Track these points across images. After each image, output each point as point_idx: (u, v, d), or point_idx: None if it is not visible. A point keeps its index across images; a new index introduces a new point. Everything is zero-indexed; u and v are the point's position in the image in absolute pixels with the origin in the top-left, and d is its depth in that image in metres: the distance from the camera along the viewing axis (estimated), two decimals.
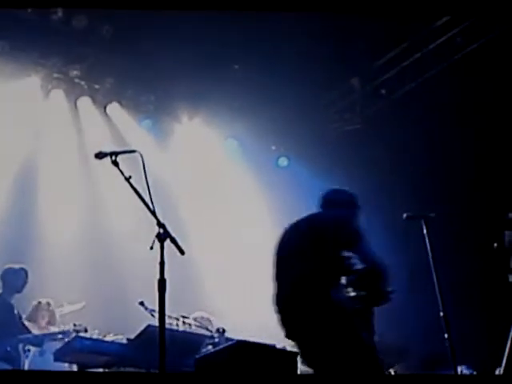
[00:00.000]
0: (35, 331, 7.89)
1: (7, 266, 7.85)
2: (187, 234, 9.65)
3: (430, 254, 6.06)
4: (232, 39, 8.83)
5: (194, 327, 7.53)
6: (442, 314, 6.00)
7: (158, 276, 4.51)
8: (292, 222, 5.63)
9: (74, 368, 6.88)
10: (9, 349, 7.34)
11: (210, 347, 6.86)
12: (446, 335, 5.95)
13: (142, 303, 7.08)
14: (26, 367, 7.50)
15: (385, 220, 8.69)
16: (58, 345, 6.96)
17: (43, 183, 9.71)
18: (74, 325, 7.44)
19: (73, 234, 9.76)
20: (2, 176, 9.35)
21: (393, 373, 7.41)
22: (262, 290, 10.64)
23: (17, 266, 7.86)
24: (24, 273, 7.85)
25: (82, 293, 8.88)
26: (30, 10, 8.33)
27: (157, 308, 4.58)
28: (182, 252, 4.59)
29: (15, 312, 7.77)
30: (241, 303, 10.13)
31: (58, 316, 8.33)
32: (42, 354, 7.56)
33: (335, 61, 9.42)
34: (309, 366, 5.19)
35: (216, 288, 10.31)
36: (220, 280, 10.43)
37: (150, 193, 4.63)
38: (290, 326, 5.31)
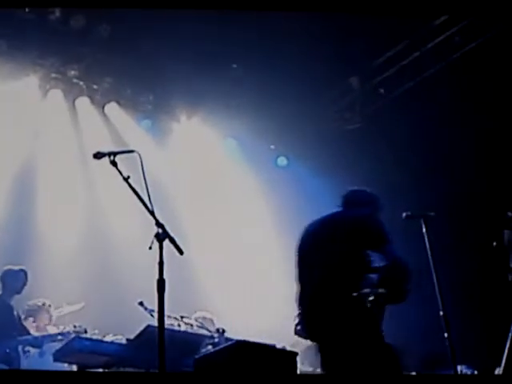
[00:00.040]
0: (33, 331, 7.88)
1: (6, 268, 7.84)
2: (186, 233, 9.63)
3: (429, 253, 6.05)
4: (230, 38, 8.82)
5: (195, 327, 7.52)
6: (441, 313, 6.00)
7: (157, 276, 4.50)
8: (313, 221, 5.61)
9: (74, 368, 6.86)
10: (8, 350, 7.33)
11: (209, 347, 6.85)
12: (445, 334, 5.95)
13: (141, 303, 7.08)
14: (26, 368, 7.49)
15: (384, 219, 8.68)
16: (57, 346, 6.95)
17: (41, 183, 9.69)
18: (74, 326, 7.44)
19: (72, 235, 9.75)
20: (0, 176, 9.34)
21: None
22: (262, 290, 10.70)
23: (16, 268, 7.85)
24: (23, 274, 7.84)
25: (81, 293, 8.87)
26: (27, 10, 8.31)
27: (156, 308, 4.58)
28: (180, 252, 4.59)
29: (14, 313, 7.76)
30: (240, 303, 10.13)
31: (55, 317, 8.33)
32: (41, 355, 7.56)
33: (334, 60, 9.41)
34: (327, 365, 5.17)
35: (215, 288, 10.30)
36: (219, 280, 10.42)
37: (148, 193, 4.63)
38: (313, 326, 5.30)
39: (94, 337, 7.19)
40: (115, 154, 4.76)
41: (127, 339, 6.66)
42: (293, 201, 10.66)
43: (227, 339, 6.87)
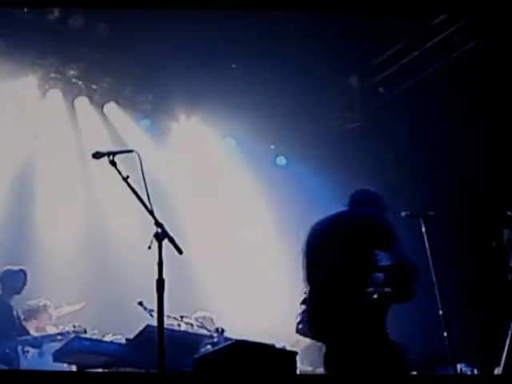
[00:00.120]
0: (34, 332, 7.87)
1: (6, 268, 7.84)
2: (185, 233, 9.63)
3: (428, 252, 6.05)
4: (230, 38, 8.81)
5: (195, 327, 7.52)
6: (441, 312, 6.00)
7: (156, 276, 4.50)
8: (319, 220, 5.61)
9: (73, 369, 6.86)
10: (7, 350, 7.33)
11: (209, 347, 6.85)
12: (445, 334, 5.95)
13: (140, 303, 7.07)
14: (25, 368, 7.49)
15: None
16: (57, 346, 6.95)
17: (41, 183, 9.69)
18: (74, 326, 7.45)
19: (71, 235, 9.75)
20: None
21: None
22: (261, 290, 10.69)
23: (16, 268, 7.85)
24: (23, 274, 7.84)
25: (81, 293, 8.87)
26: (26, 10, 8.30)
27: (155, 308, 4.57)
28: (180, 252, 4.58)
29: (14, 313, 7.76)
30: (240, 303, 10.13)
31: (55, 317, 8.32)
32: (41, 355, 7.56)
33: (334, 59, 9.41)
34: (332, 364, 5.18)
35: (214, 288, 10.30)
36: (218, 280, 10.42)
37: (147, 192, 4.62)
38: (319, 324, 5.30)
39: (94, 337, 7.19)
40: (114, 153, 4.76)
41: (127, 339, 6.66)
42: (292, 200, 10.65)
43: (226, 339, 6.87)
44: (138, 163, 4.77)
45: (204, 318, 8.12)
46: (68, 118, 9.95)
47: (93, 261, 9.64)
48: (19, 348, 7.51)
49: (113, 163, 4.72)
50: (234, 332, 7.35)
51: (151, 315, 6.91)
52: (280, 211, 10.80)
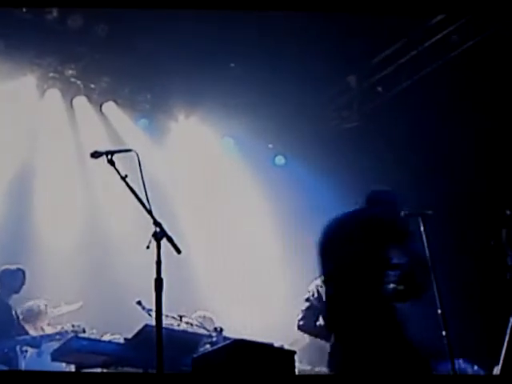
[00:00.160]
0: (32, 332, 7.87)
1: (4, 267, 7.84)
2: (183, 233, 9.63)
3: (427, 251, 6.05)
4: (229, 37, 8.81)
5: (195, 327, 7.52)
6: (439, 311, 6.00)
7: (154, 275, 4.50)
8: (333, 219, 5.62)
9: (72, 368, 6.86)
10: (6, 350, 7.33)
11: (207, 346, 6.85)
12: (443, 333, 5.96)
13: (139, 303, 7.06)
14: (24, 368, 7.49)
15: None
16: (55, 345, 6.94)
17: (39, 183, 9.69)
18: (72, 325, 7.45)
19: (70, 234, 9.74)
20: None
21: None
22: (260, 289, 10.69)
23: (14, 267, 7.85)
24: (22, 273, 7.84)
25: (79, 293, 8.87)
26: (25, 9, 8.29)
27: (154, 307, 4.57)
28: (178, 251, 4.59)
29: (13, 313, 7.76)
30: (238, 302, 10.13)
31: (53, 317, 8.32)
32: (39, 354, 7.56)
33: (332, 59, 9.40)
34: (346, 362, 5.18)
35: (213, 287, 10.30)
36: (217, 279, 10.42)
37: (146, 192, 4.63)
38: (337, 323, 5.31)
39: (92, 336, 7.19)
40: (113, 153, 4.76)
41: (125, 339, 6.66)
42: (291, 200, 10.66)
43: (225, 338, 6.86)
44: (137, 162, 4.78)
45: (204, 317, 8.13)
46: (66, 118, 9.94)
47: (91, 260, 9.64)
48: (18, 348, 7.51)
49: (111, 162, 4.73)
50: (233, 331, 7.35)
51: (150, 315, 6.90)
52: (279, 211, 10.80)
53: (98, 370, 6.59)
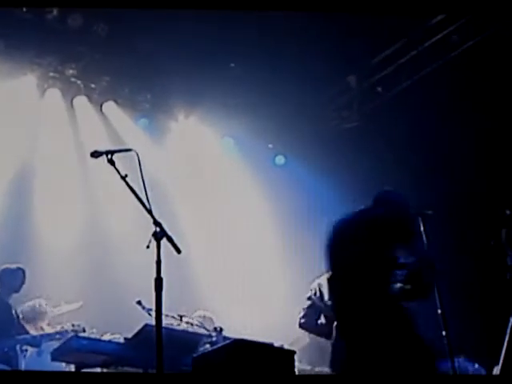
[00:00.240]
0: (32, 331, 7.87)
1: (4, 266, 7.85)
2: (183, 232, 9.63)
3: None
4: (228, 37, 8.81)
5: (195, 327, 7.52)
6: (439, 311, 6.00)
7: (154, 275, 4.50)
8: (341, 218, 5.62)
9: (72, 368, 6.86)
10: (6, 349, 7.33)
11: (207, 346, 6.85)
12: (443, 332, 5.96)
13: (139, 302, 7.06)
14: (24, 367, 7.50)
15: None
16: (55, 345, 6.95)
17: (39, 182, 9.69)
18: (73, 325, 7.46)
19: (70, 234, 9.74)
20: None
21: None
22: (260, 289, 10.69)
23: (14, 266, 7.85)
24: (22, 272, 7.84)
25: (79, 292, 8.87)
26: (25, 9, 8.29)
27: (154, 307, 4.57)
28: (178, 251, 4.59)
29: (13, 312, 7.76)
30: (238, 302, 10.13)
31: (53, 316, 8.33)
32: (39, 354, 7.56)
33: (332, 59, 9.40)
34: (353, 362, 5.19)
35: (213, 287, 10.30)
36: (216, 279, 10.42)
37: (146, 191, 4.63)
38: (345, 323, 5.32)
39: (92, 336, 7.19)
40: (113, 152, 4.76)
41: (125, 338, 6.66)
42: (291, 200, 10.65)
43: (225, 338, 6.87)
44: (137, 162, 4.78)
45: (204, 317, 8.14)
46: (67, 117, 9.94)
47: (91, 260, 9.64)
48: (18, 347, 7.51)
49: (111, 162, 4.73)
50: (233, 331, 7.35)
51: (150, 314, 6.90)
52: (279, 211, 10.80)
53: (98, 369, 6.59)
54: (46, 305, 8.31)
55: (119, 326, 7.70)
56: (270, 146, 11.27)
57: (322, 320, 7.08)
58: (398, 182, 9.38)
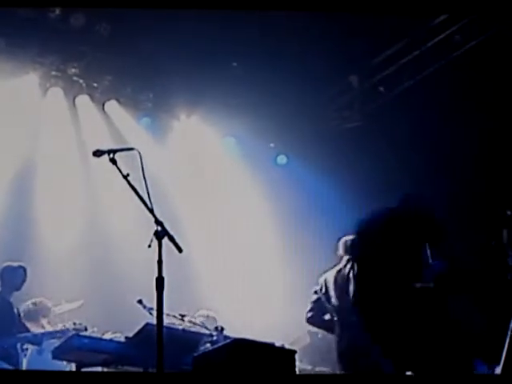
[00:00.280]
0: (33, 330, 7.88)
1: (6, 264, 7.85)
2: (185, 231, 9.63)
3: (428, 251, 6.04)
4: (230, 37, 8.81)
5: (197, 326, 7.53)
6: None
7: (156, 274, 4.50)
8: (368, 217, 5.61)
9: (73, 366, 6.87)
10: (7, 347, 7.34)
11: (208, 345, 6.85)
12: None
13: (140, 301, 7.07)
14: (25, 366, 7.52)
15: None
16: (56, 343, 6.96)
17: (41, 181, 9.70)
18: (74, 323, 7.47)
19: (71, 233, 9.75)
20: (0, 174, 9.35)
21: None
22: (261, 288, 10.70)
23: (15, 264, 7.87)
24: (23, 270, 7.85)
25: (81, 291, 8.89)
26: (27, 8, 8.30)
27: (155, 306, 4.58)
28: (179, 250, 4.59)
29: (14, 310, 7.76)
30: (239, 301, 10.13)
31: (54, 315, 8.34)
32: (40, 352, 7.57)
33: (334, 58, 9.40)
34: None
35: (214, 286, 10.31)
36: (218, 278, 10.43)
37: (147, 190, 4.63)
38: (373, 317, 5.32)
39: (93, 334, 7.20)
40: (115, 151, 4.77)
41: (126, 337, 6.67)
42: (292, 199, 10.66)
43: (226, 337, 6.87)
44: (139, 161, 4.78)
45: (207, 316, 8.16)
46: (69, 116, 9.95)
47: (92, 258, 9.65)
48: (19, 345, 7.52)
49: (113, 161, 4.73)
50: (234, 330, 7.36)
51: (151, 313, 6.91)
52: (280, 210, 10.80)
53: (99, 368, 6.60)
54: (47, 303, 8.32)
55: (120, 324, 7.72)
56: (272, 145, 11.27)
57: (328, 315, 7.12)
58: (400, 182, 9.41)
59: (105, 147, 4.83)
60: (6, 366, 7.17)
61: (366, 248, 5.42)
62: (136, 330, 6.46)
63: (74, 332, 7.15)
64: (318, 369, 8.66)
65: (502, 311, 6.16)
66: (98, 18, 8.77)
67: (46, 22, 8.56)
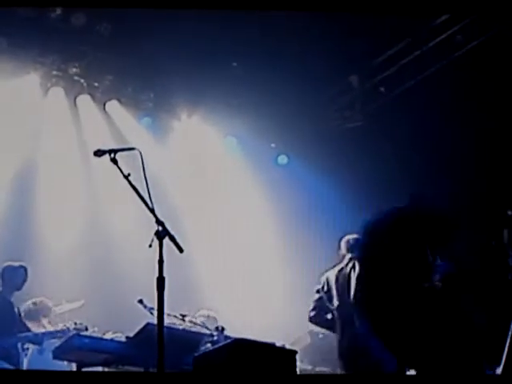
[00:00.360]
0: (34, 330, 7.88)
1: (6, 264, 7.85)
2: (186, 231, 9.64)
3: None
4: (231, 37, 8.82)
5: (198, 326, 7.53)
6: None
7: (156, 274, 4.50)
8: (377, 216, 5.60)
9: (73, 366, 6.87)
10: (7, 347, 7.34)
11: (209, 345, 6.85)
12: None
13: (141, 301, 7.08)
14: (25, 365, 7.52)
15: None
16: (57, 343, 6.96)
17: (42, 181, 9.70)
18: (75, 323, 7.47)
19: (72, 233, 9.76)
20: (0, 174, 9.34)
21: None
22: (262, 288, 10.70)
23: (16, 264, 7.87)
24: (23, 270, 7.86)
25: (81, 291, 8.89)
26: (28, 8, 8.30)
27: (156, 306, 4.58)
28: (180, 250, 4.60)
29: (15, 310, 7.77)
30: (240, 301, 10.14)
31: (55, 314, 8.34)
32: (41, 352, 7.58)
33: (335, 58, 9.40)
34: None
35: (215, 286, 10.31)
36: (218, 278, 10.43)
37: (148, 190, 4.63)
38: (381, 319, 5.31)
39: (94, 334, 7.20)
40: (116, 151, 4.77)
41: (127, 337, 6.67)
42: (293, 199, 10.66)
43: (227, 337, 6.87)
44: (140, 161, 4.78)
45: (208, 316, 8.16)
46: (70, 116, 9.96)
47: (93, 258, 9.66)
48: (19, 345, 7.53)
49: (114, 161, 4.73)
50: (234, 330, 7.36)
51: (151, 313, 6.91)
52: (281, 210, 10.80)
53: (100, 368, 6.60)
54: (48, 303, 8.32)
55: (121, 324, 7.72)
56: (273, 145, 11.27)
57: (330, 314, 7.13)
58: (401, 182, 9.41)
59: (106, 147, 4.83)
60: (6, 365, 7.17)
61: (373, 248, 5.40)
62: (137, 330, 6.46)
63: (74, 332, 7.15)
64: (318, 369, 8.66)
65: (503, 311, 6.16)
66: (98, 17, 8.77)
67: (47, 21, 8.56)
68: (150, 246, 4.55)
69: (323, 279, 7.32)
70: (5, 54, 8.80)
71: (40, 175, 9.71)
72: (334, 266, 7.46)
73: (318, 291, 7.32)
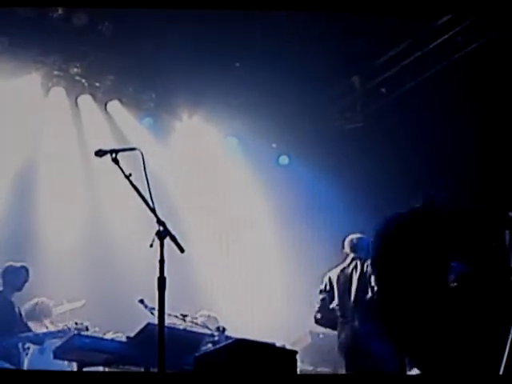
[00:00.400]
0: (35, 329, 7.89)
1: (8, 264, 7.85)
2: (187, 232, 9.64)
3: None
4: (233, 37, 8.82)
5: (198, 326, 7.53)
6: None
7: (157, 274, 4.51)
8: (390, 218, 5.56)
9: (74, 366, 6.88)
10: (8, 347, 7.34)
11: (209, 345, 6.86)
12: None
13: (141, 301, 7.08)
14: (26, 365, 7.52)
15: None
16: (57, 343, 6.96)
17: (43, 180, 9.71)
18: (76, 323, 7.46)
19: (73, 232, 9.76)
20: (1, 174, 9.35)
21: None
22: (262, 289, 10.71)
23: (17, 264, 7.86)
24: (25, 271, 7.85)
25: (82, 291, 8.89)
26: (29, 8, 8.30)
27: (156, 306, 4.58)
28: (181, 250, 4.59)
29: (16, 310, 7.77)
30: (241, 301, 10.14)
31: (56, 314, 8.34)
32: (41, 352, 7.58)
33: (336, 59, 9.41)
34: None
35: (215, 286, 10.32)
36: (219, 278, 10.44)
37: (149, 190, 4.63)
38: (397, 325, 5.30)
39: (95, 334, 7.20)
40: (117, 151, 4.77)
41: (127, 337, 6.67)
42: (294, 200, 10.66)
43: (227, 337, 6.87)
44: (141, 161, 4.78)
45: (209, 316, 8.16)
46: (71, 116, 9.96)
47: (94, 258, 9.66)
48: (20, 345, 7.53)
49: (115, 161, 4.73)
50: (235, 330, 7.36)
51: (152, 313, 6.91)
52: (282, 210, 10.81)
53: (100, 368, 6.61)
54: (49, 303, 8.32)
55: (122, 324, 7.72)
56: (274, 145, 11.28)
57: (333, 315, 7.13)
58: (402, 182, 9.41)
59: (107, 147, 4.83)
60: (7, 365, 7.17)
61: (387, 250, 5.39)
62: (137, 330, 6.46)
63: (75, 332, 7.15)
64: (319, 369, 8.66)
65: (503, 313, 6.17)
66: (100, 17, 8.77)
67: (48, 21, 8.56)
68: (151, 245, 4.55)
69: (325, 279, 7.32)
70: (6, 53, 8.80)
71: (41, 175, 9.71)
72: (337, 266, 7.47)
73: (321, 291, 7.32)
